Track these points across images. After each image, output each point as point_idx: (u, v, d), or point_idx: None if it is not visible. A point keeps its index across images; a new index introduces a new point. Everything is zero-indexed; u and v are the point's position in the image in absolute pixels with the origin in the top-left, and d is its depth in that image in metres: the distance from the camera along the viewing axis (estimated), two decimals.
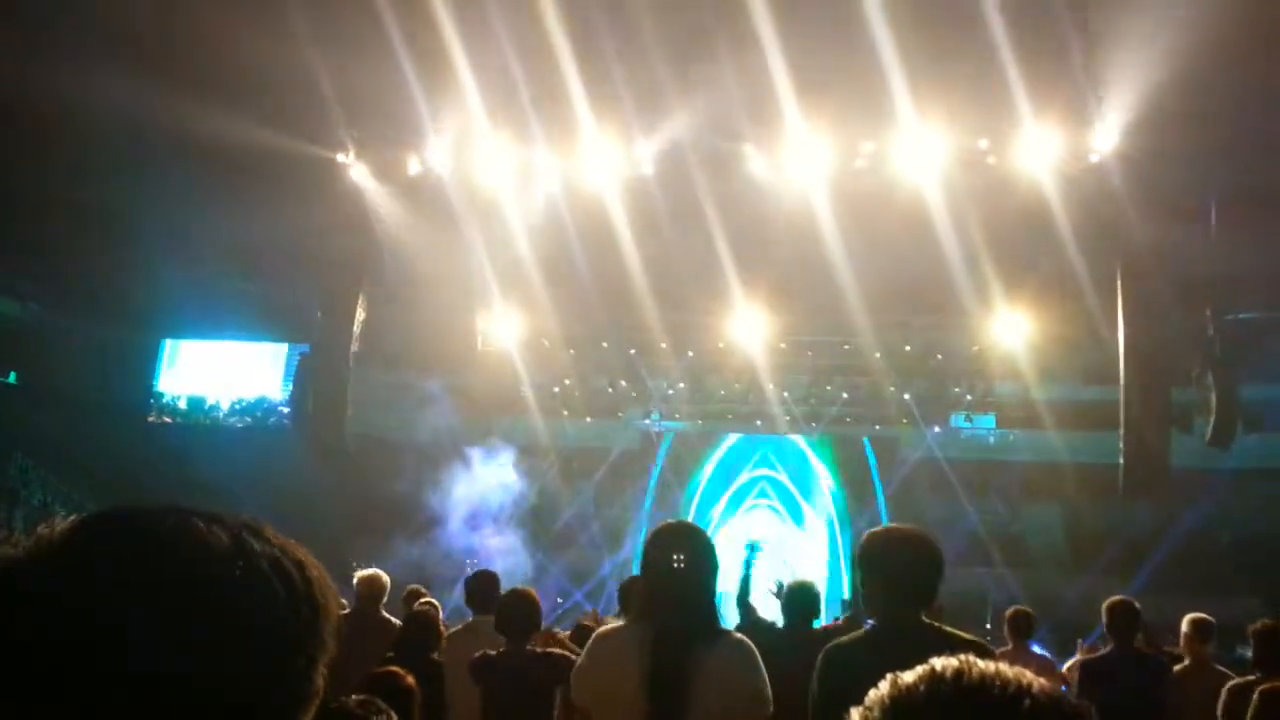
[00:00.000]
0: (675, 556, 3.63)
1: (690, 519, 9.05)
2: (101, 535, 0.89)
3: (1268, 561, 15.99)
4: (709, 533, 4.08)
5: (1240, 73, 13.80)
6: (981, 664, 0.90)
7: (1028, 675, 0.89)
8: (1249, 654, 5.99)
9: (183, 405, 20.21)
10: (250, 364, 20.61)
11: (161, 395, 20.21)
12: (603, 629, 3.84)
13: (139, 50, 15.00)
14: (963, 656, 0.92)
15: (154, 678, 0.83)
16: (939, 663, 0.91)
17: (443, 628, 7.37)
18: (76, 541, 0.88)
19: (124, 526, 0.90)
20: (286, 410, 19.63)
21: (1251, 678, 5.55)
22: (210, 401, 20.12)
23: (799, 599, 6.82)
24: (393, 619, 7.21)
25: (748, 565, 7.42)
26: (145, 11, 15.06)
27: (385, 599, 7.63)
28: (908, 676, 0.91)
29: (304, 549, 0.98)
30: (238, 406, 20.27)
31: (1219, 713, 5.36)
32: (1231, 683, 5.55)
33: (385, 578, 7.63)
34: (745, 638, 3.69)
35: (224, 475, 15.42)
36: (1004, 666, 0.90)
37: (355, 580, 7.51)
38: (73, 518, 0.91)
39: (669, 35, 14.96)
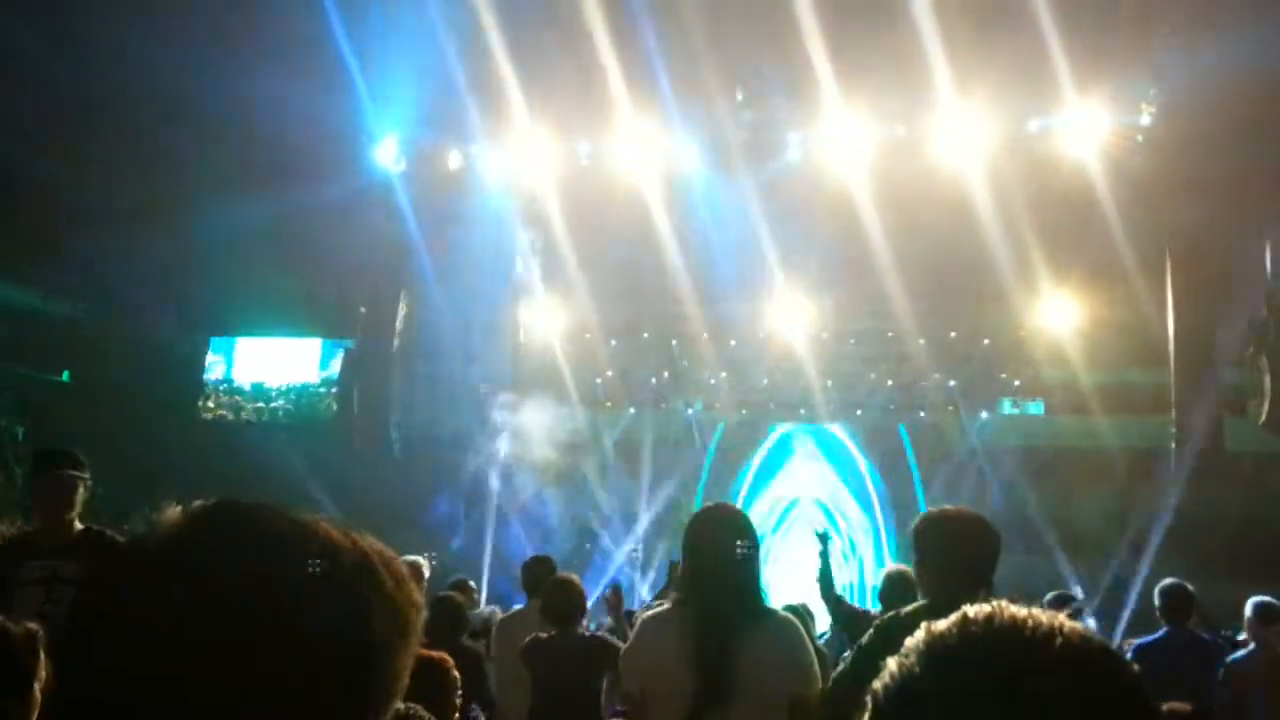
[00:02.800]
0: (718, 538, 3.65)
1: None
2: (215, 529, 0.93)
3: None
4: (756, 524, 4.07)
5: None
6: (1013, 608, 0.90)
7: (1059, 617, 0.89)
8: None
9: (248, 388, 21.37)
10: (291, 355, 21.40)
11: (231, 381, 21.32)
12: (650, 612, 3.87)
13: (186, 51, 15.23)
14: (995, 602, 0.92)
15: (260, 669, 0.86)
16: (971, 608, 0.91)
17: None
18: (195, 534, 0.92)
19: (238, 521, 0.94)
20: (323, 390, 20.42)
21: None
22: (268, 385, 21.37)
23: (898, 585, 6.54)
24: None
25: (824, 556, 6.69)
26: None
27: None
28: (941, 623, 0.92)
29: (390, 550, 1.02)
30: (285, 390, 21.26)
31: None
32: None
33: (420, 562, 7.56)
34: (792, 616, 3.69)
35: (273, 469, 15.62)
36: (1035, 610, 0.90)
37: None
38: (183, 510, 0.95)
39: (708, 23, 14.92)
